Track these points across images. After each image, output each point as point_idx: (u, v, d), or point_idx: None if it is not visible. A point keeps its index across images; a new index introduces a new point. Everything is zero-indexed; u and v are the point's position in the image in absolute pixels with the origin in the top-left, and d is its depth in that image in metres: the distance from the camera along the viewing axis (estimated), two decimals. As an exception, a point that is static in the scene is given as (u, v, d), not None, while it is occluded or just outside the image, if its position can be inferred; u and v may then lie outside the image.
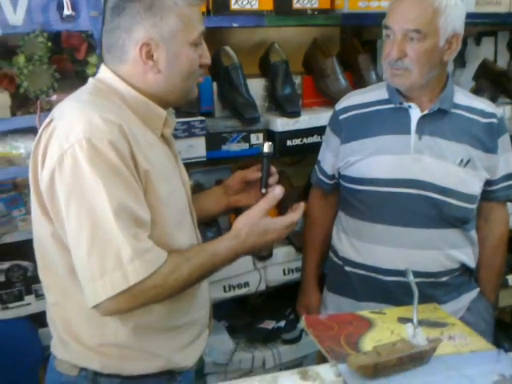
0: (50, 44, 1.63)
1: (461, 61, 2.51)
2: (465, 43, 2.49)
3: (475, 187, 1.64)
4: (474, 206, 1.66)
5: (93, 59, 1.69)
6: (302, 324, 1.36)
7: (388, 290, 1.64)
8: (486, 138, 1.63)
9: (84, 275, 1.11)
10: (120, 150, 1.11)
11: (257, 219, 1.23)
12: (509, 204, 1.82)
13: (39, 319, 1.64)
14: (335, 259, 1.79)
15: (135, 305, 1.14)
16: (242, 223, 1.24)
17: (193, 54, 1.23)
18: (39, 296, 1.77)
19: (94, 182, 1.08)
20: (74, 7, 1.65)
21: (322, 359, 1.30)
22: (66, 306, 1.24)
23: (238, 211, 2.01)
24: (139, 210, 1.12)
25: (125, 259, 1.09)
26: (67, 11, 1.65)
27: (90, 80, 1.26)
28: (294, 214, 1.27)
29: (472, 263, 1.71)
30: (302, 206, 1.29)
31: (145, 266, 1.10)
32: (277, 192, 1.28)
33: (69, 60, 1.70)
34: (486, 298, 1.78)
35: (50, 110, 1.56)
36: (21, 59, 1.61)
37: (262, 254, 1.99)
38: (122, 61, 1.21)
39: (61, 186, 1.10)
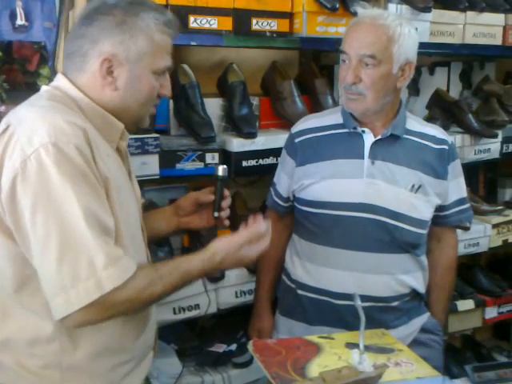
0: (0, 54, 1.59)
1: (415, 89, 2.57)
2: (419, 72, 2.55)
3: (426, 212, 1.66)
4: (424, 232, 1.68)
5: (45, 71, 1.65)
6: (250, 349, 1.33)
7: (340, 313, 1.63)
8: (437, 164, 1.66)
9: (53, 286, 1.06)
10: (85, 154, 1.08)
11: (236, 248, 1.24)
12: (458, 231, 1.86)
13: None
14: (288, 282, 1.78)
15: (104, 317, 1.10)
16: (219, 248, 1.23)
17: (154, 82, 1.22)
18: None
19: (62, 188, 1.04)
20: (27, 17, 1.62)
21: (271, 384, 1.28)
22: (5, 327, 1.17)
23: (190, 232, 1.98)
24: (105, 216, 1.09)
25: (98, 266, 1.05)
26: (20, 21, 1.61)
27: (45, 88, 1.23)
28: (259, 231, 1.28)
29: (422, 288, 1.72)
30: (259, 218, 1.30)
31: (118, 273, 1.07)
32: (261, 227, 1.29)
33: (19, 71, 1.65)
34: (436, 320, 1.79)
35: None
36: (-32, 68, 1.56)
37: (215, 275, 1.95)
38: (82, 70, 1.19)
39: (25, 193, 1.04)
